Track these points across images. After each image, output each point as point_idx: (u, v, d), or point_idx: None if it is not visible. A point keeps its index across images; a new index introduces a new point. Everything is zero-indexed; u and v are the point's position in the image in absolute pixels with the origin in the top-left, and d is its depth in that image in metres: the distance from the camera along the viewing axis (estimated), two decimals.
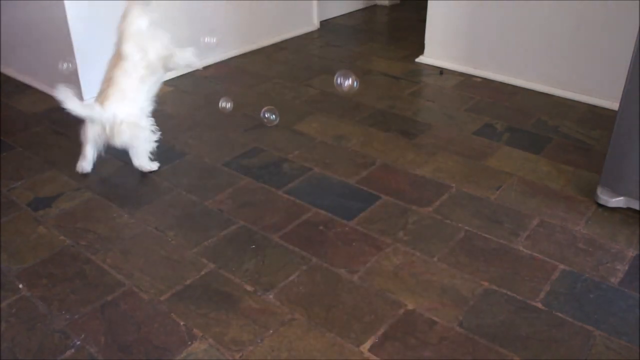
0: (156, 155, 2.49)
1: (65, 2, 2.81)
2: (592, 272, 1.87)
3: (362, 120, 2.88)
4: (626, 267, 1.89)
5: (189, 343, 1.64)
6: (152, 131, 2.43)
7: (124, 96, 2.33)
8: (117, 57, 2.38)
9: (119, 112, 2.30)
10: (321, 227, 2.10)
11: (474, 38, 3.34)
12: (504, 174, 2.41)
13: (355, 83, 2.04)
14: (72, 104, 2.17)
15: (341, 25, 4.38)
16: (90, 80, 3.03)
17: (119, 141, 2.33)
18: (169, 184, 2.39)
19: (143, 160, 2.43)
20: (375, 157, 2.54)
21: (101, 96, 2.34)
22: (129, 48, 2.34)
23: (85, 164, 2.42)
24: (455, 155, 2.56)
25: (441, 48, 3.51)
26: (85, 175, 2.44)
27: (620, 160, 2.09)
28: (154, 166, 2.46)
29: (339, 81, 2.04)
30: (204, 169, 2.49)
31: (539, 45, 3.10)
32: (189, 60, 2.52)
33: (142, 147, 2.41)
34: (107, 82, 2.35)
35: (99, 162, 2.57)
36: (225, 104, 2.40)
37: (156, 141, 2.45)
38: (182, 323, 1.71)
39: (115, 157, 2.57)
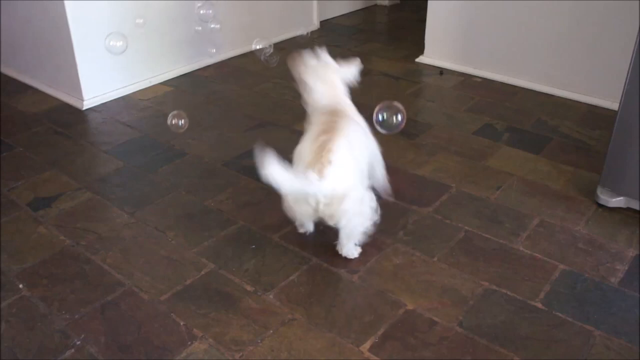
0: (157, 155, 2.49)
1: (65, 2, 2.81)
2: (592, 272, 1.87)
3: None
4: (626, 267, 1.89)
5: (189, 343, 1.64)
6: (374, 208, 1.86)
7: (347, 162, 1.76)
8: (335, 114, 1.89)
9: (340, 183, 1.72)
10: (321, 227, 2.10)
11: (474, 38, 3.34)
12: (504, 174, 2.41)
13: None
14: (278, 175, 1.59)
15: (341, 25, 4.38)
16: (90, 81, 3.03)
17: (338, 220, 1.79)
18: (168, 184, 2.38)
19: (352, 244, 1.91)
20: None
21: (316, 161, 1.71)
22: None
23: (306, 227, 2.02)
24: (455, 155, 2.56)
25: (441, 48, 3.51)
26: (85, 175, 2.45)
27: (620, 160, 2.09)
28: (356, 252, 1.94)
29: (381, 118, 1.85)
30: (204, 169, 2.49)
31: (539, 45, 3.10)
32: None
33: (360, 228, 1.85)
34: (324, 140, 1.75)
35: (99, 162, 2.58)
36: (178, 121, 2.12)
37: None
38: (182, 323, 1.71)
39: (115, 157, 2.58)
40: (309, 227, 2.01)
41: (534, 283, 1.83)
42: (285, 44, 3.96)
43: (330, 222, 1.81)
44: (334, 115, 1.88)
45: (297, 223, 2.01)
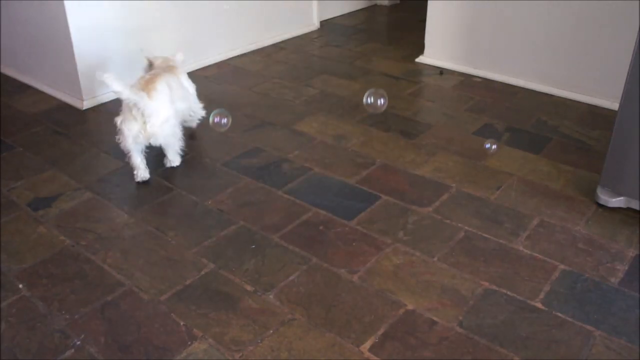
0: (157, 156, 2.49)
1: (65, 2, 2.81)
2: (592, 272, 1.87)
3: (362, 120, 2.88)
4: (626, 267, 1.89)
5: (189, 343, 1.64)
6: (180, 136, 2.50)
7: (169, 93, 2.37)
8: (165, 67, 2.54)
9: (161, 106, 2.30)
10: (321, 227, 2.10)
11: (474, 38, 3.34)
12: (504, 174, 2.41)
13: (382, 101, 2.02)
14: (117, 86, 2.13)
15: (341, 25, 4.38)
16: (90, 81, 3.03)
17: (157, 138, 2.33)
18: (169, 184, 2.39)
19: (177, 155, 2.50)
20: (375, 157, 2.54)
21: (145, 86, 2.30)
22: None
23: (142, 171, 2.39)
24: (455, 155, 2.56)
25: (441, 48, 3.51)
26: (85, 175, 2.45)
27: (620, 160, 2.09)
28: (178, 161, 2.52)
29: (369, 101, 2.03)
30: (204, 169, 2.49)
31: (539, 45, 3.10)
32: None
33: (177, 145, 2.47)
34: (152, 76, 2.37)
35: (98, 162, 2.57)
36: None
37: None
38: (182, 323, 1.71)
39: (115, 157, 2.57)
40: (144, 174, 2.39)
41: (534, 283, 1.83)
42: (286, 44, 3.97)
43: (153, 142, 2.33)
44: (162, 69, 2.50)
45: (134, 167, 2.39)
